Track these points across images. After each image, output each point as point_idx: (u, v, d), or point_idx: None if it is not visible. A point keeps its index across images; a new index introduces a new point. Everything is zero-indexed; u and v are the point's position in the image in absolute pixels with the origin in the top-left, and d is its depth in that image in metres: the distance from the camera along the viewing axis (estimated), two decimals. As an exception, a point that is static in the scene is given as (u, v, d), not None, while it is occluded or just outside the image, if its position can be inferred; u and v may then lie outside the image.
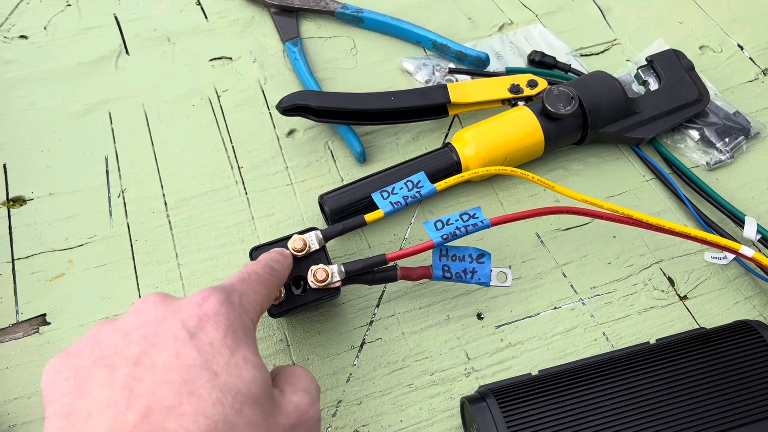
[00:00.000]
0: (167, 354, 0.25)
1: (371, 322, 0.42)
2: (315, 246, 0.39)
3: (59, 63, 0.54)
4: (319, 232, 0.40)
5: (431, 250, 0.40)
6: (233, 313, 0.28)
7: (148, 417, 0.23)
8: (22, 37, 0.56)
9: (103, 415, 0.24)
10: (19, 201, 0.47)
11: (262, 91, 0.54)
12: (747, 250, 0.40)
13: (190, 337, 0.26)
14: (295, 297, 0.38)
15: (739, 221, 0.45)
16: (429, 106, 0.49)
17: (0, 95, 0.52)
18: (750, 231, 0.44)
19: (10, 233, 0.45)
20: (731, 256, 0.45)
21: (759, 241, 0.45)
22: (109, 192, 0.47)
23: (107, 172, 0.48)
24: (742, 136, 0.51)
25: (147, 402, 0.24)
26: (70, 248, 0.45)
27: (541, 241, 0.46)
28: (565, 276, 0.44)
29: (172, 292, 0.43)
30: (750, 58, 0.57)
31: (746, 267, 0.45)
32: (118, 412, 0.23)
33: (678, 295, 0.44)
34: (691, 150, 0.51)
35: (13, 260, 0.44)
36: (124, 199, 0.47)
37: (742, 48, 0.58)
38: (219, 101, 0.53)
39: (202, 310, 0.27)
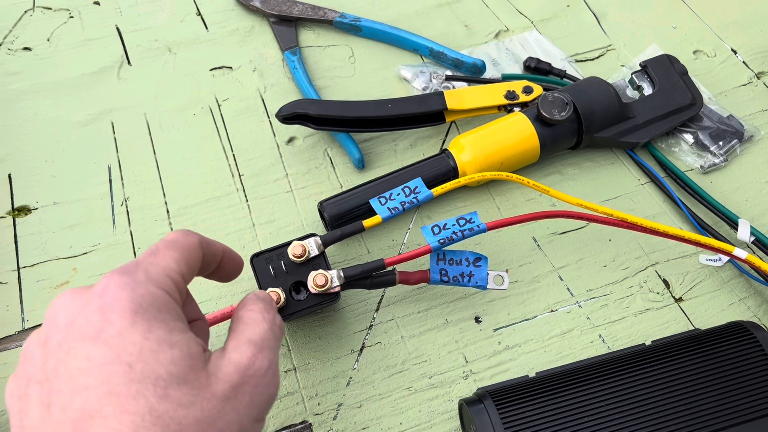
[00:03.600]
0: (80, 359, 0.24)
1: (371, 326, 0.43)
2: (314, 252, 0.40)
3: (62, 74, 0.55)
4: (318, 238, 0.40)
5: (429, 255, 0.40)
6: (137, 292, 0.26)
7: (77, 429, 0.23)
8: (25, 48, 0.57)
9: None
10: (24, 210, 0.48)
11: (262, 100, 0.54)
12: (741, 252, 0.41)
13: (97, 335, 0.24)
14: (295, 302, 0.39)
15: (733, 223, 0.46)
16: (426, 113, 0.49)
17: (4, 106, 0.53)
18: (744, 233, 0.45)
19: (16, 242, 0.46)
20: (725, 258, 0.45)
21: (753, 243, 0.45)
22: (112, 200, 0.48)
23: (110, 181, 0.49)
24: (736, 140, 0.51)
25: (72, 414, 0.23)
26: (75, 256, 0.45)
27: (538, 245, 0.47)
28: (561, 279, 0.45)
29: (174, 299, 0.44)
30: (743, 62, 0.58)
31: (740, 269, 0.45)
32: (50, 429, 0.23)
33: (673, 297, 0.44)
34: (685, 153, 0.51)
35: (18, 269, 0.45)
36: (127, 207, 0.48)
37: (735, 52, 0.58)
38: (220, 110, 0.54)
39: (104, 301, 0.25)
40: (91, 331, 0.24)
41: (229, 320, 0.40)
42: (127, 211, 0.48)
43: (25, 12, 0.59)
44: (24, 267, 0.45)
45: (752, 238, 0.45)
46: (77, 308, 0.26)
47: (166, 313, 0.26)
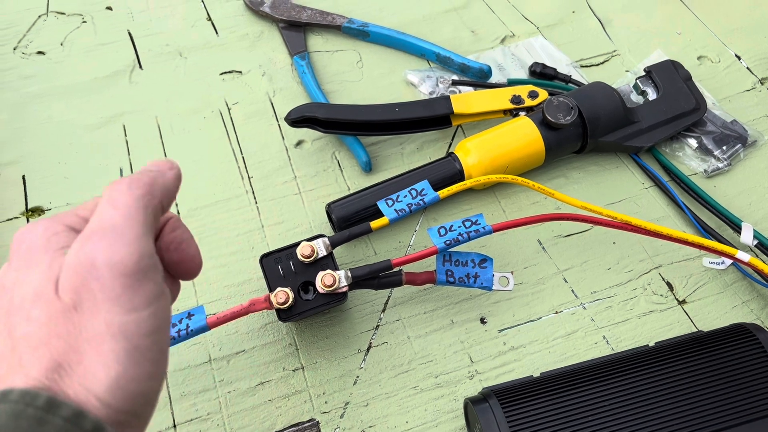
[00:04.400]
0: None
1: (377, 326, 0.44)
2: (323, 252, 0.41)
3: (75, 78, 0.56)
4: (326, 239, 0.41)
5: (435, 256, 0.41)
6: (33, 233, 0.26)
7: None
8: (39, 53, 0.58)
9: None
10: (37, 211, 0.49)
11: (271, 104, 0.55)
12: (743, 255, 0.42)
13: (4, 285, 0.26)
14: (303, 302, 0.40)
15: (736, 227, 0.46)
16: (433, 117, 0.50)
17: (19, 109, 0.54)
18: (747, 236, 0.45)
19: (29, 242, 0.47)
20: (728, 261, 0.46)
21: (756, 246, 0.46)
22: (123, 202, 0.49)
23: (122, 182, 0.50)
24: (740, 144, 0.52)
25: None
26: (87, 256, 0.46)
27: (543, 248, 0.47)
28: (566, 281, 0.46)
29: (184, 299, 0.44)
30: (747, 67, 0.58)
31: (743, 272, 0.46)
32: None
33: (677, 300, 0.45)
34: (689, 158, 0.52)
35: (32, 268, 0.46)
36: (138, 208, 0.49)
37: (739, 58, 0.59)
38: (229, 113, 0.54)
39: (12, 255, 0.26)
40: (3, 283, 0.26)
41: (236, 320, 0.41)
42: (139, 212, 0.49)
43: (39, 17, 0.60)
44: (37, 266, 0.46)
45: (755, 242, 0.45)
46: (2, 272, 0.27)
47: (54, 242, 0.26)
